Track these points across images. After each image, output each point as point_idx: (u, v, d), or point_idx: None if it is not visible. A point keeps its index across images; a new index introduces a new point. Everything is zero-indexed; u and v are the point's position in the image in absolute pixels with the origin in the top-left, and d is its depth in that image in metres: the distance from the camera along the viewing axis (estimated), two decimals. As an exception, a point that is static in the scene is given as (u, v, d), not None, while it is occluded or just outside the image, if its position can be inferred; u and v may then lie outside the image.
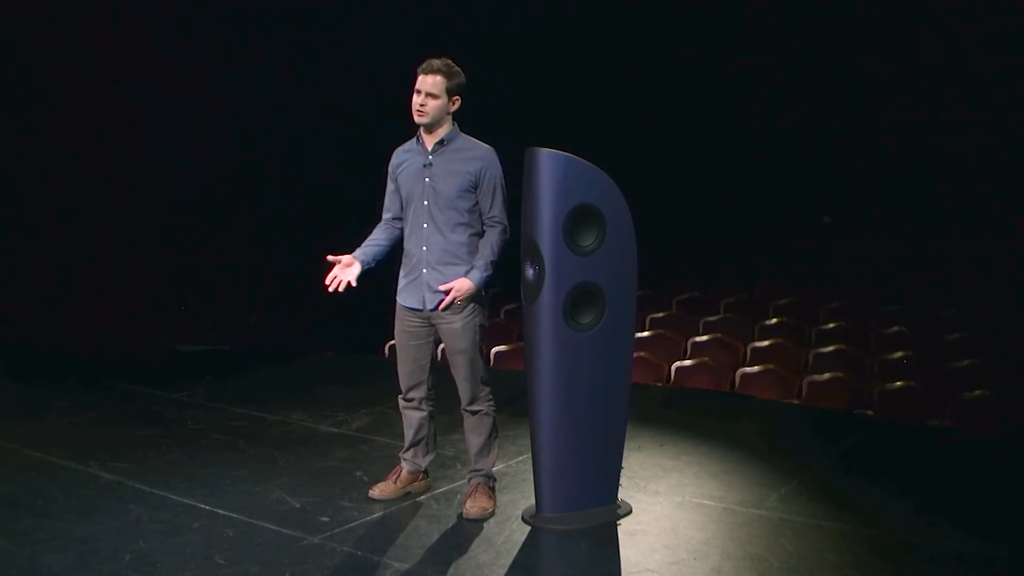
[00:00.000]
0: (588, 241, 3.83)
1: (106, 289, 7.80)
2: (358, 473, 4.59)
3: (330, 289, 3.92)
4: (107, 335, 7.60)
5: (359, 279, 3.95)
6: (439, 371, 4.17)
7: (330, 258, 3.96)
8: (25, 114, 7.67)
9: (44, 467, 4.70)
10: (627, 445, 4.15)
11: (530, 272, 3.88)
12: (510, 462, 4.72)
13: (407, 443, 4.23)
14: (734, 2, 11.67)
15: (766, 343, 7.56)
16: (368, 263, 4.01)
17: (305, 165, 8.86)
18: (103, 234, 7.90)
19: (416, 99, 3.89)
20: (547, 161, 3.77)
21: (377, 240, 4.09)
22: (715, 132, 11.96)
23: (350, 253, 4.00)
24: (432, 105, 3.87)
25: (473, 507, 4.05)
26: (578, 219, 3.79)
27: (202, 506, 4.17)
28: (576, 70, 11.59)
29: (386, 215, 4.12)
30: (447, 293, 3.90)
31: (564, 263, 3.79)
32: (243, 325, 8.39)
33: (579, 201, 3.78)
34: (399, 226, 4.08)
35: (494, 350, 7.43)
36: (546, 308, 3.82)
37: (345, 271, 3.93)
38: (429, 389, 4.15)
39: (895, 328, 8.11)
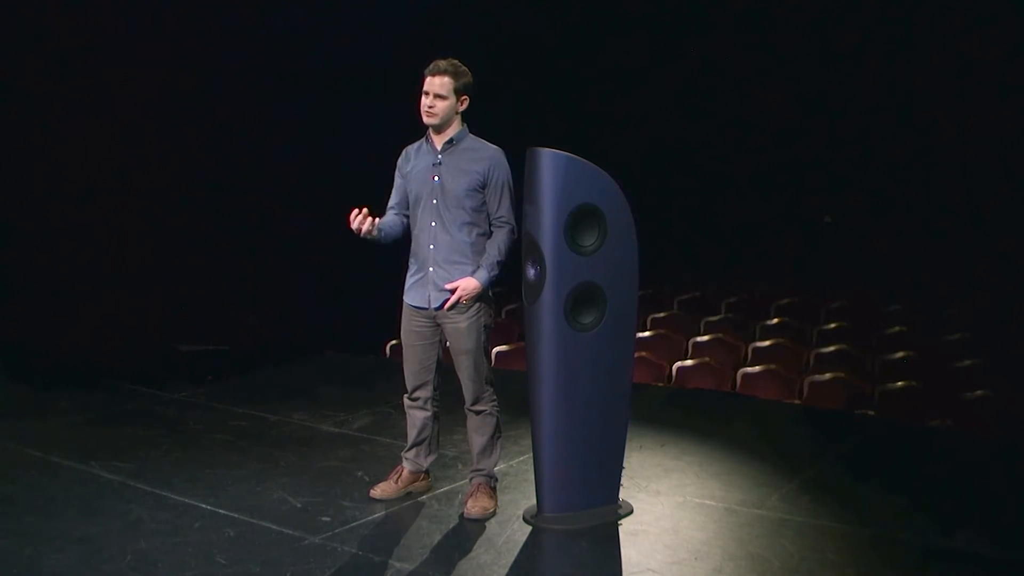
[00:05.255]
0: (589, 241, 3.82)
1: (106, 289, 7.79)
2: (359, 473, 4.59)
3: (353, 225, 3.82)
4: (107, 335, 7.59)
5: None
6: (443, 371, 4.16)
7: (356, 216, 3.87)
8: (26, 113, 7.67)
9: (45, 467, 4.70)
10: (628, 445, 4.14)
11: (531, 272, 3.88)
12: (511, 462, 4.72)
13: (410, 442, 4.23)
14: (736, 3, 11.68)
15: (767, 343, 7.55)
16: (382, 228, 3.95)
17: (306, 165, 8.87)
18: (103, 234, 7.90)
19: (424, 100, 3.90)
20: (549, 161, 3.77)
21: (389, 220, 4.06)
22: (716, 132, 11.97)
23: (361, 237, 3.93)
24: (440, 106, 3.88)
25: (474, 507, 4.05)
26: (579, 219, 3.79)
27: (203, 506, 4.17)
28: (577, 70, 11.59)
29: (391, 207, 4.12)
30: (453, 292, 3.91)
31: (565, 263, 3.79)
32: (243, 325, 8.38)
33: (580, 201, 3.78)
34: (405, 217, 4.07)
35: (495, 350, 7.43)
36: (547, 308, 3.82)
37: (367, 221, 3.86)
38: (435, 389, 4.14)
39: (896, 328, 8.11)
